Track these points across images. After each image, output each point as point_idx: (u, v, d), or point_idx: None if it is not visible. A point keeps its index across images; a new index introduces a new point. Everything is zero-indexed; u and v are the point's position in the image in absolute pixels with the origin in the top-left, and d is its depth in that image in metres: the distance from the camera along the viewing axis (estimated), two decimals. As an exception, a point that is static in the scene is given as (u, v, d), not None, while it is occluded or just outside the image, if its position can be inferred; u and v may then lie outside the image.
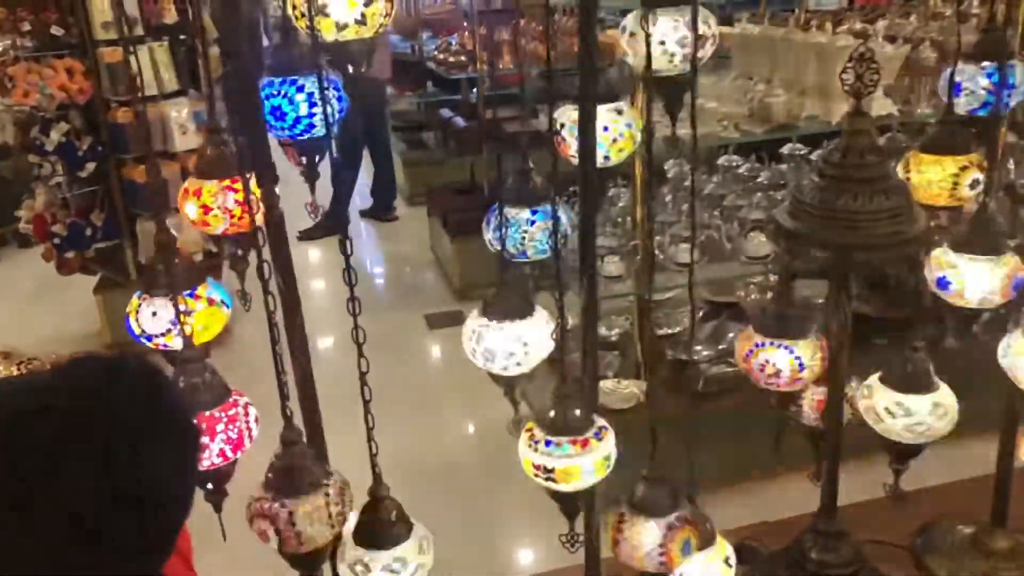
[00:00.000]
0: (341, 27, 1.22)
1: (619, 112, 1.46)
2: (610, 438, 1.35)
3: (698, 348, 2.79)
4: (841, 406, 1.62)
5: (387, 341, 4.62)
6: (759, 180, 3.21)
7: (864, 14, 3.72)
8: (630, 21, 1.37)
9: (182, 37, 4.31)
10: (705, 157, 3.41)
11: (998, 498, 1.82)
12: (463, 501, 3.34)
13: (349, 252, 1.25)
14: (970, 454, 1.99)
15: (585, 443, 1.31)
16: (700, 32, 1.33)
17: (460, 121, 6.61)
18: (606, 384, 2.79)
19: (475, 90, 5.99)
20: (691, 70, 1.32)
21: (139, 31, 3.98)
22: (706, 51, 1.35)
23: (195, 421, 1.12)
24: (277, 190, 1.38)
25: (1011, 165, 3.01)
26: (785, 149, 3.39)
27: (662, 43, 1.33)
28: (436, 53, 6.79)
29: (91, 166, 4.14)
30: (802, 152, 3.37)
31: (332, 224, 6.36)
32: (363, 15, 1.22)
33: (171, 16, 4.26)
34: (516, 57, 4.99)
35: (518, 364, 1.38)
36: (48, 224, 4.33)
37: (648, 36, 1.27)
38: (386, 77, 6.89)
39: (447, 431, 3.97)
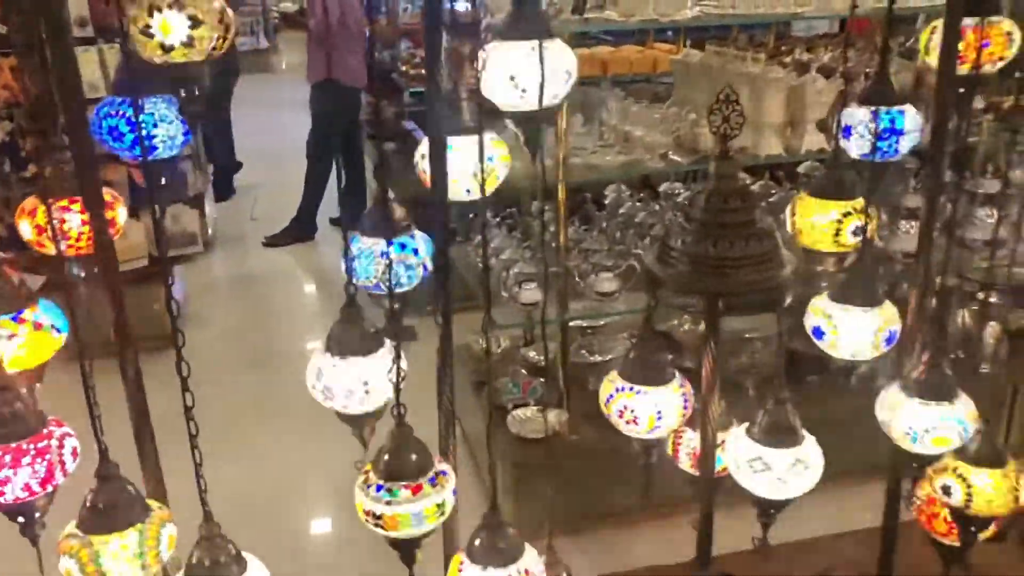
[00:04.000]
0: (167, 48, 1.17)
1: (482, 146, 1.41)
2: (448, 484, 1.30)
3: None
4: (713, 453, 1.58)
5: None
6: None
7: (836, 42, 3.68)
8: (485, 54, 1.32)
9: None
10: (642, 184, 3.37)
11: (884, 550, 1.77)
12: (344, 529, 3.12)
13: (170, 282, 1.20)
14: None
15: (418, 489, 1.26)
16: (554, 67, 1.29)
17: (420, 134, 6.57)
18: (526, 412, 2.74)
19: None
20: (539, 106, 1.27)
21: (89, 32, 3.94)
22: (560, 87, 1.31)
23: None
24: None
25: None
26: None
27: (512, 78, 1.28)
28: (400, 64, 6.75)
29: (34, 167, 4.08)
30: (747, 181, 3.33)
31: (299, 231, 6.33)
32: (190, 37, 1.17)
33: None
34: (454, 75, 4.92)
35: (360, 403, 1.33)
36: (-11, 224, 4.26)
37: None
38: (362, 85, 6.86)
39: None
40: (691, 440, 1.64)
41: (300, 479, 3.45)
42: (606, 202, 3.17)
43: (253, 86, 8.94)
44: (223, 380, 4.19)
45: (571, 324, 2.95)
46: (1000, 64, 1.56)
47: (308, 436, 3.18)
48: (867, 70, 2.90)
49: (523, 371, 2.92)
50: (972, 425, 1.47)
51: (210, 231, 6.04)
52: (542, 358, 3.10)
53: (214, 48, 1.22)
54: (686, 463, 1.65)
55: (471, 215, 3.11)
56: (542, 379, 2.93)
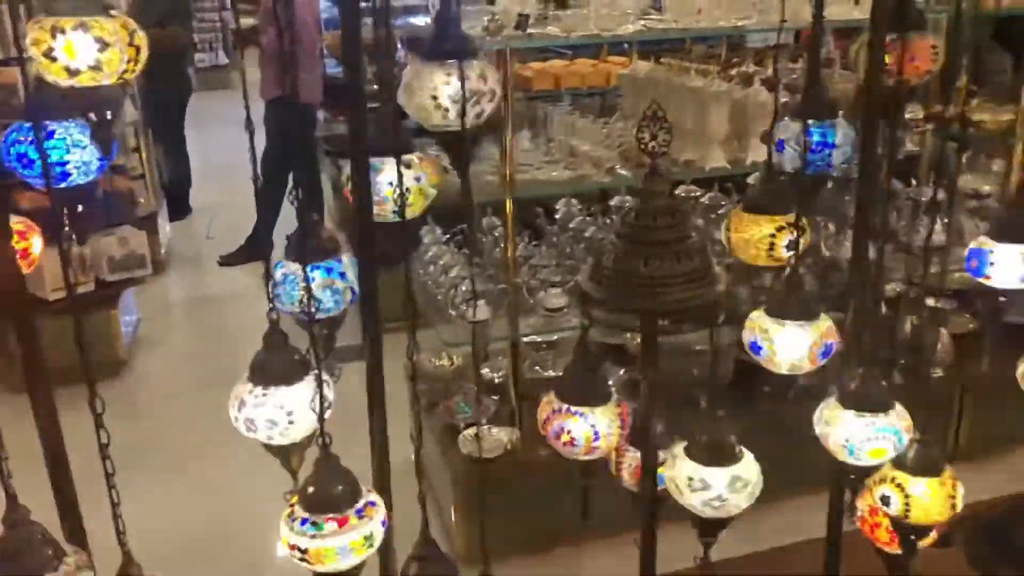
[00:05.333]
0: (73, 72, 1.13)
1: (407, 166, 1.39)
2: (377, 515, 1.26)
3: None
4: (654, 471, 1.56)
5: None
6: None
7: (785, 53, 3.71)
8: (407, 74, 1.31)
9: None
10: (601, 197, 3.36)
11: (829, 562, 1.77)
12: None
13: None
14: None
15: (344, 521, 1.23)
16: (475, 87, 1.27)
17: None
18: (477, 431, 2.71)
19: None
20: (462, 126, 1.25)
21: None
22: (483, 106, 1.29)
23: None
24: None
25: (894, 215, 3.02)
26: (680, 191, 3.36)
27: (434, 97, 1.26)
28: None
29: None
30: (696, 194, 3.34)
31: (254, 249, 6.23)
32: (98, 61, 1.14)
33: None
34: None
35: (282, 434, 1.29)
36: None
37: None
38: (316, 101, 6.79)
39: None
40: (633, 458, 1.62)
41: (259, 506, 3.37)
42: (557, 216, 3.16)
43: (212, 103, 8.81)
44: (177, 405, 4.11)
45: (525, 340, 2.93)
46: (926, 77, 1.57)
47: (268, 461, 3.10)
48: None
49: (476, 389, 2.89)
50: (907, 435, 1.47)
51: (163, 252, 5.95)
52: (496, 375, 3.08)
53: (125, 71, 1.19)
54: (629, 481, 1.63)
55: (420, 232, 3.10)
56: (495, 397, 2.90)
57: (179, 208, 6.80)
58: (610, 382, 2.87)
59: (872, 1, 1.47)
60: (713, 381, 1.50)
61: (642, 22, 2.65)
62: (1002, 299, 1.74)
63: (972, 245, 1.78)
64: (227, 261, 6.08)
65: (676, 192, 3.43)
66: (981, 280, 1.75)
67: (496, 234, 2.92)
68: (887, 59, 1.51)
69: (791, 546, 1.91)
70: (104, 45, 1.13)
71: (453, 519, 2.69)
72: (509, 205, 2.56)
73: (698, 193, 3.38)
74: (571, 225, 3.07)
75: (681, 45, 4.89)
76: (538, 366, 3.08)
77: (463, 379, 3.04)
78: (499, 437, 2.66)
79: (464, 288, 2.55)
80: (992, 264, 1.71)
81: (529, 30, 2.55)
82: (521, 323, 2.76)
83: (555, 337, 3.08)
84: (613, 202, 3.33)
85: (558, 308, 2.58)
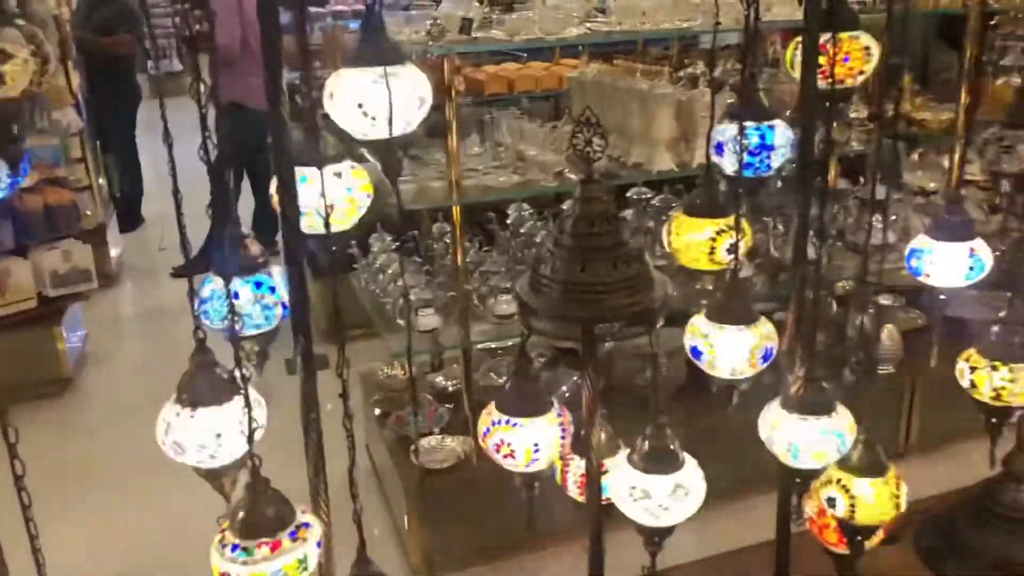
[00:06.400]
0: (-25, 87, 1.08)
1: (338, 175, 1.35)
2: (312, 536, 1.22)
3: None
4: (598, 481, 1.54)
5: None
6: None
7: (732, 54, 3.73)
8: (332, 81, 1.27)
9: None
10: (556, 201, 3.35)
11: (779, 564, 1.76)
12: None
13: None
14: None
15: (276, 545, 1.19)
16: (405, 95, 1.24)
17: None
18: (429, 441, 2.67)
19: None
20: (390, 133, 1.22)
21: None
22: (413, 114, 1.26)
23: None
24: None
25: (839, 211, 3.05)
26: (631, 193, 3.36)
27: (360, 105, 1.23)
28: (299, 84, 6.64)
29: None
30: (647, 196, 3.34)
31: (207, 260, 6.12)
32: (1, 74, 1.09)
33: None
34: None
35: (212, 457, 1.24)
36: None
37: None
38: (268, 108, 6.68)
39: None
40: (579, 467, 1.60)
41: (211, 527, 3.31)
42: (508, 221, 3.14)
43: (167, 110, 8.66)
44: (128, 422, 4.00)
45: (479, 347, 2.90)
46: (861, 77, 1.57)
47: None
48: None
49: (429, 397, 2.86)
50: (850, 437, 1.47)
51: (113, 264, 5.82)
52: (450, 384, 3.05)
53: (31, 83, 1.14)
54: (574, 491, 1.61)
55: (368, 241, 3.06)
56: (448, 406, 2.87)
57: (130, 219, 6.65)
58: (564, 388, 2.89)
59: (805, 3, 1.47)
60: (655, 387, 1.48)
61: (587, 25, 2.63)
62: (942, 297, 1.74)
63: (912, 244, 1.79)
64: (180, 272, 5.97)
65: (628, 195, 3.44)
66: (921, 279, 1.76)
67: (447, 240, 2.89)
68: (822, 60, 1.51)
69: (741, 550, 1.91)
70: (6, 57, 1.08)
71: (407, 528, 2.65)
72: (456, 212, 2.53)
73: (649, 195, 3.39)
74: (522, 230, 3.05)
75: (635, 47, 4.92)
76: (493, 373, 3.05)
77: (417, 387, 3.01)
78: (452, 447, 2.62)
79: (413, 297, 2.52)
80: (931, 263, 1.73)
81: (474, 34, 2.52)
82: (474, 330, 2.73)
83: (510, 343, 3.05)
84: (566, 206, 3.31)
85: (508, 315, 2.55)
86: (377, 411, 2.92)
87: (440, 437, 2.68)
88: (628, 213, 3.34)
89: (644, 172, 2.78)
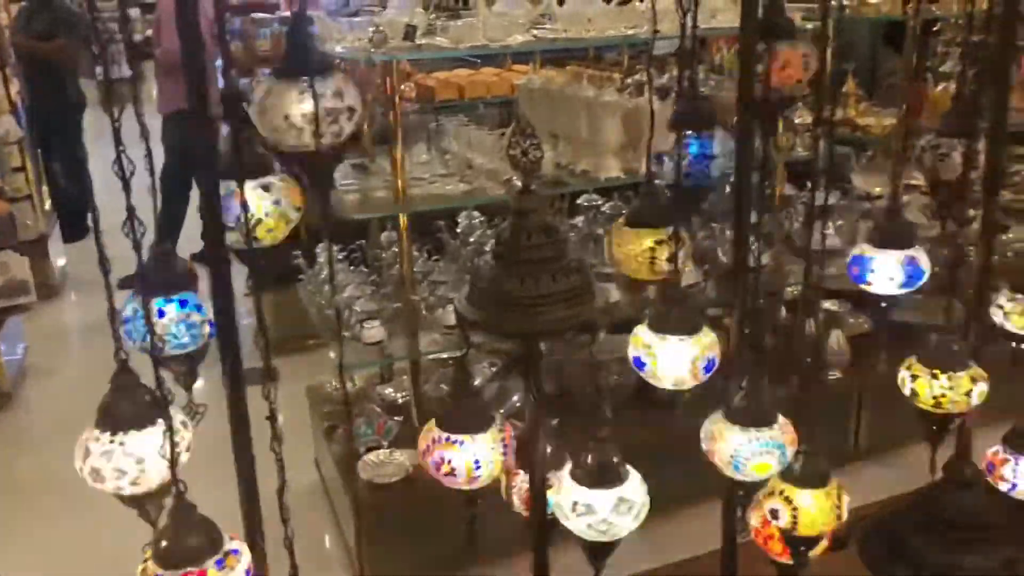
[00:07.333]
0: None
1: (265, 188, 1.31)
2: (240, 563, 1.18)
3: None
4: (543, 496, 1.51)
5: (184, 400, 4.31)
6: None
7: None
8: (258, 92, 1.23)
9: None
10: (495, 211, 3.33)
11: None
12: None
13: None
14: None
15: (201, 575, 1.14)
16: (331, 105, 1.20)
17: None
18: (378, 455, 2.62)
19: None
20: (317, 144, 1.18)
21: None
22: (342, 125, 1.22)
23: None
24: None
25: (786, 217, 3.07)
26: (582, 200, 3.36)
27: (287, 117, 1.19)
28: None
29: None
30: (598, 203, 3.34)
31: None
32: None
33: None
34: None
35: (133, 483, 1.19)
36: None
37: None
38: (215, 114, 6.56)
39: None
40: (524, 482, 1.57)
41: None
42: (459, 230, 3.11)
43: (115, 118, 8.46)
44: (71, 438, 3.88)
45: (430, 357, 2.86)
46: (799, 86, 1.57)
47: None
48: (702, 90, 2.96)
49: (378, 410, 2.81)
50: (791, 448, 1.46)
51: (56, 276, 5.66)
52: (399, 396, 3.00)
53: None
54: (519, 506, 1.58)
55: (315, 251, 3.01)
56: (398, 418, 2.83)
57: (76, 229, 6.48)
58: (516, 397, 2.86)
59: (741, 12, 1.46)
60: (597, 400, 1.46)
61: (533, 32, 2.62)
62: (883, 304, 1.75)
63: (853, 252, 1.80)
64: (127, 283, 5.81)
65: (578, 201, 3.44)
66: (862, 287, 1.77)
67: (395, 249, 2.84)
68: (760, 68, 1.51)
69: (687, 560, 1.90)
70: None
71: (354, 545, 2.60)
72: (403, 220, 2.50)
73: (600, 202, 3.38)
74: (473, 238, 3.01)
75: (586, 53, 4.91)
76: (444, 384, 3.01)
77: (367, 400, 2.96)
78: (401, 461, 2.58)
79: (358, 308, 2.47)
80: (872, 271, 1.73)
81: (418, 40, 2.49)
82: (424, 340, 2.69)
83: (460, 353, 3.01)
84: (515, 214, 3.29)
85: (456, 326, 2.51)
86: (325, 424, 2.86)
87: (388, 451, 2.64)
88: (579, 220, 3.34)
89: (592, 180, 2.77)
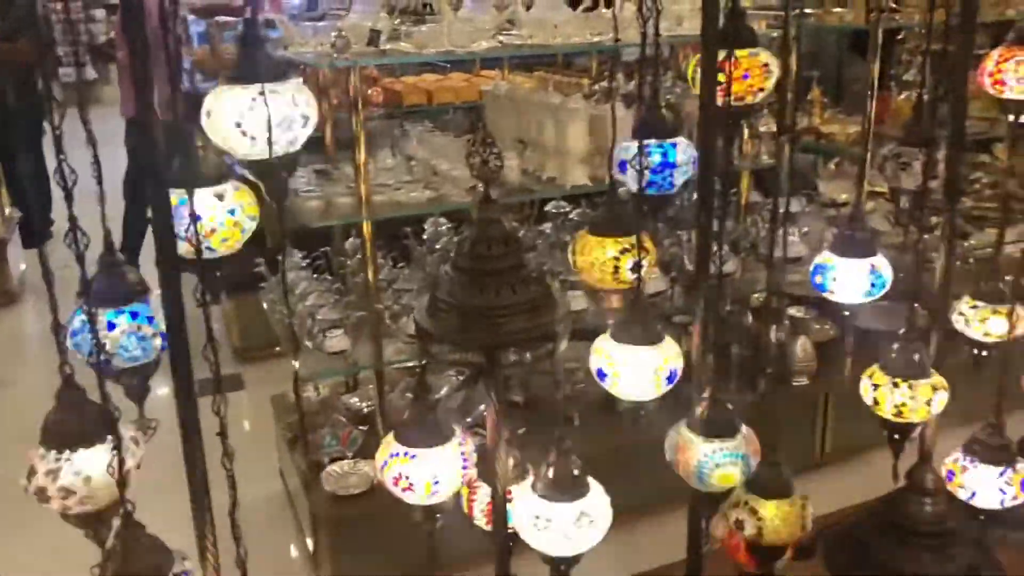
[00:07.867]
0: None
1: (219, 197, 1.28)
2: (191, 584, 1.14)
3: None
4: (504, 510, 1.49)
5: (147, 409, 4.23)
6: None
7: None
8: (209, 99, 1.20)
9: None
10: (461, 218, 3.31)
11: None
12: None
13: None
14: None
15: (149, 596, 1.10)
16: (285, 113, 1.18)
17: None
18: (342, 466, 2.58)
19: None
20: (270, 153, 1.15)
21: None
22: (296, 132, 1.20)
23: None
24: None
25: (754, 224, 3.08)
26: (550, 207, 3.35)
27: (239, 125, 1.16)
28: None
29: None
30: (566, 210, 3.33)
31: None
32: None
33: None
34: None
35: (81, 503, 1.15)
36: None
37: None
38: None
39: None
40: (486, 495, 1.55)
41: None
42: (424, 236, 3.08)
43: (79, 120, 8.33)
44: (27, 450, 3.79)
45: (396, 366, 2.82)
46: (761, 95, 1.57)
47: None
48: (668, 97, 2.96)
49: (343, 420, 2.77)
50: (755, 459, 1.46)
51: (16, 282, 5.54)
52: (364, 405, 2.96)
53: None
54: (480, 520, 1.56)
55: (278, 258, 2.96)
56: (363, 427, 2.79)
57: (38, 234, 6.35)
58: (482, 407, 2.84)
59: (702, 20, 1.45)
60: (560, 410, 1.44)
61: (499, 38, 2.60)
62: (846, 313, 1.76)
63: (816, 260, 1.80)
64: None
65: (546, 208, 3.43)
66: (825, 295, 1.77)
67: (360, 257, 2.80)
68: (721, 77, 1.50)
69: (654, 570, 1.89)
70: None
71: (316, 557, 2.56)
72: (367, 228, 2.47)
73: (567, 209, 3.37)
74: (439, 245, 2.99)
75: (555, 59, 4.91)
76: (409, 393, 2.98)
77: (332, 410, 2.91)
78: (365, 471, 2.54)
79: (320, 316, 2.43)
80: (834, 279, 1.74)
81: (382, 46, 2.46)
82: (388, 349, 2.66)
83: (424, 359, 2.98)
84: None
85: (417, 336, 2.48)
86: (289, 434, 2.82)
87: (353, 461, 2.60)
88: (547, 227, 3.32)
89: (558, 187, 2.76)
